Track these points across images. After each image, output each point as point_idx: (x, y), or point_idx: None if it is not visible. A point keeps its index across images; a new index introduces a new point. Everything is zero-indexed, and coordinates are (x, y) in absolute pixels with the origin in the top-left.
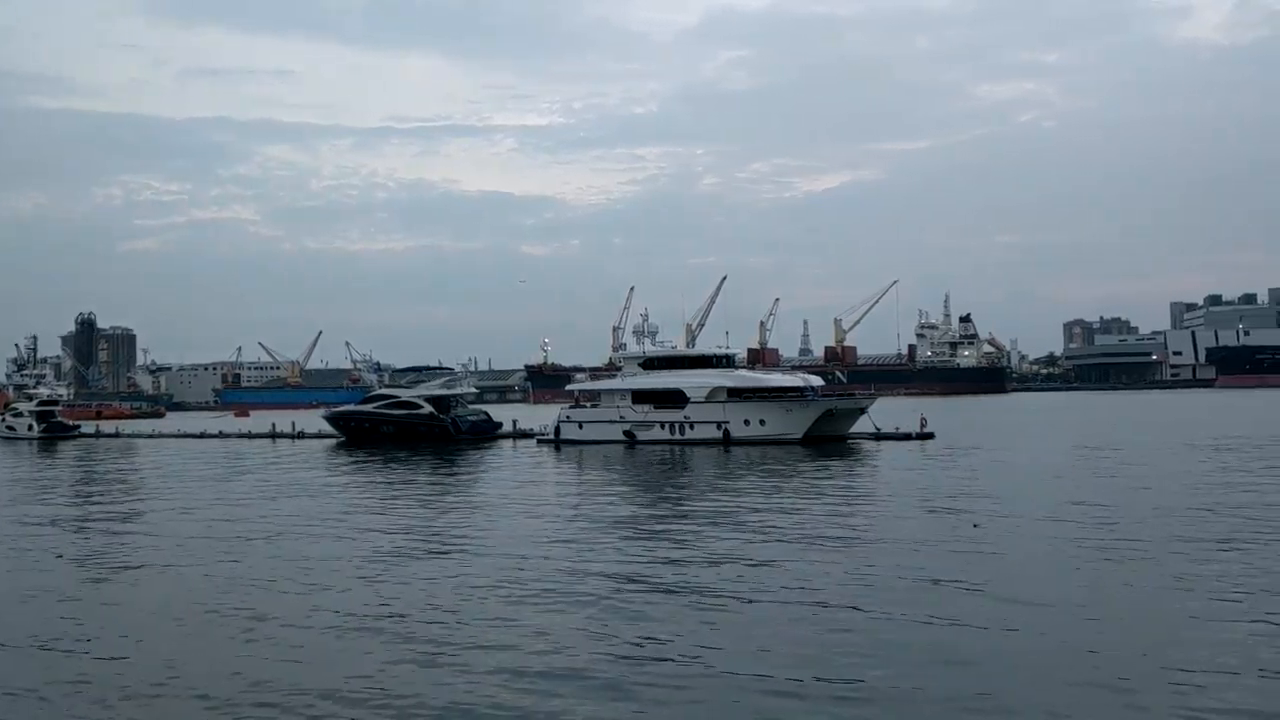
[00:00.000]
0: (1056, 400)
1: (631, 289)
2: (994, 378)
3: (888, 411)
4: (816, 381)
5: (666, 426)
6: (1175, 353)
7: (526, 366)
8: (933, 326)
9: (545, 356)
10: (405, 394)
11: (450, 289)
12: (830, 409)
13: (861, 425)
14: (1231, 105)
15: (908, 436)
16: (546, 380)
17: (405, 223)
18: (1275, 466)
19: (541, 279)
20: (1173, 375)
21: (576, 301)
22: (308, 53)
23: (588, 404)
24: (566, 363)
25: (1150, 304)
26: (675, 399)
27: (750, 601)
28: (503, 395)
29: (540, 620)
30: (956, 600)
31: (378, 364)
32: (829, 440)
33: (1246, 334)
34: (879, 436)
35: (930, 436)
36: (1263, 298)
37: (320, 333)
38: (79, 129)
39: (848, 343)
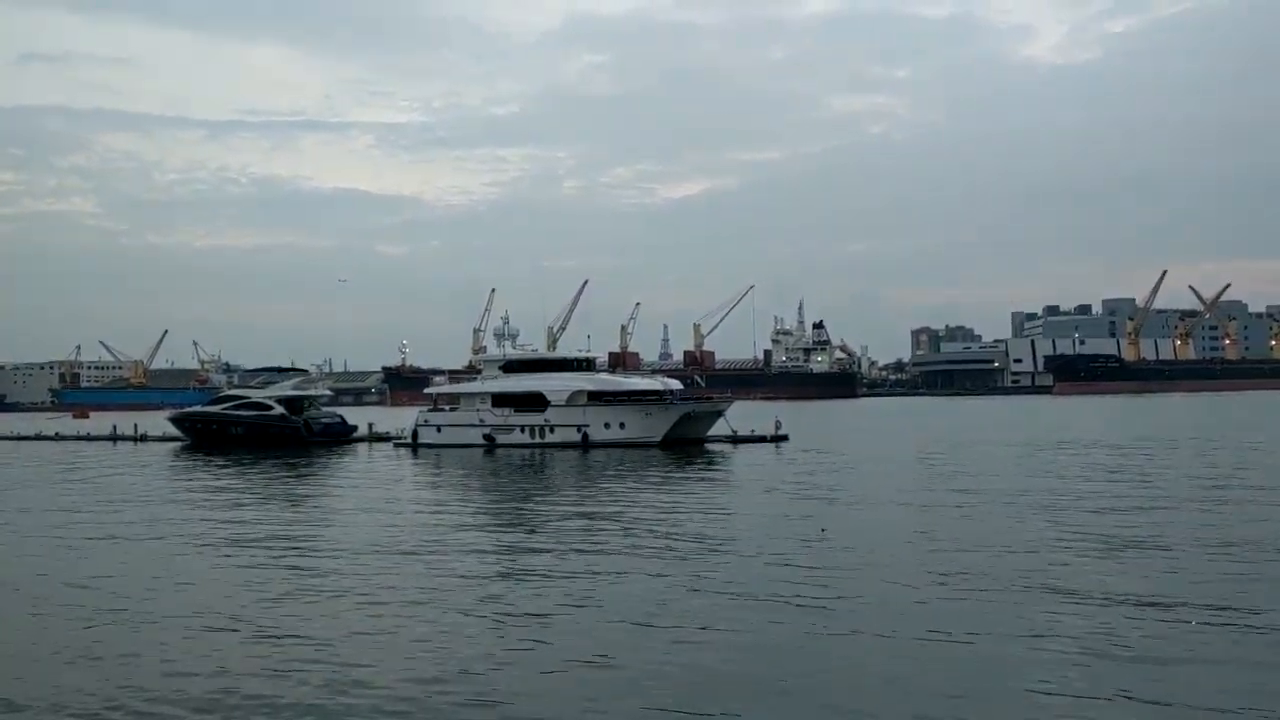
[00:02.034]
0: (904, 405)
1: (493, 291)
2: (845, 383)
3: (744, 415)
4: (675, 385)
5: (526, 430)
6: (1016, 360)
7: (384, 368)
8: (787, 333)
9: (404, 358)
10: (256, 395)
11: (304, 288)
12: (689, 412)
13: (719, 428)
14: (1061, 121)
15: (763, 439)
16: (405, 382)
17: (256, 219)
18: (1098, 464)
19: (400, 279)
20: (1014, 382)
21: (436, 303)
22: (152, 40)
23: (447, 407)
24: (425, 365)
25: (992, 313)
26: (535, 402)
27: (575, 607)
28: (359, 398)
29: (382, 624)
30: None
31: (227, 364)
32: (687, 443)
33: (1082, 343)
34: (736, 439)
35: (785, 439)
36: (1097, 309)
37: (166, 332)
38: None
39: (706, 347)
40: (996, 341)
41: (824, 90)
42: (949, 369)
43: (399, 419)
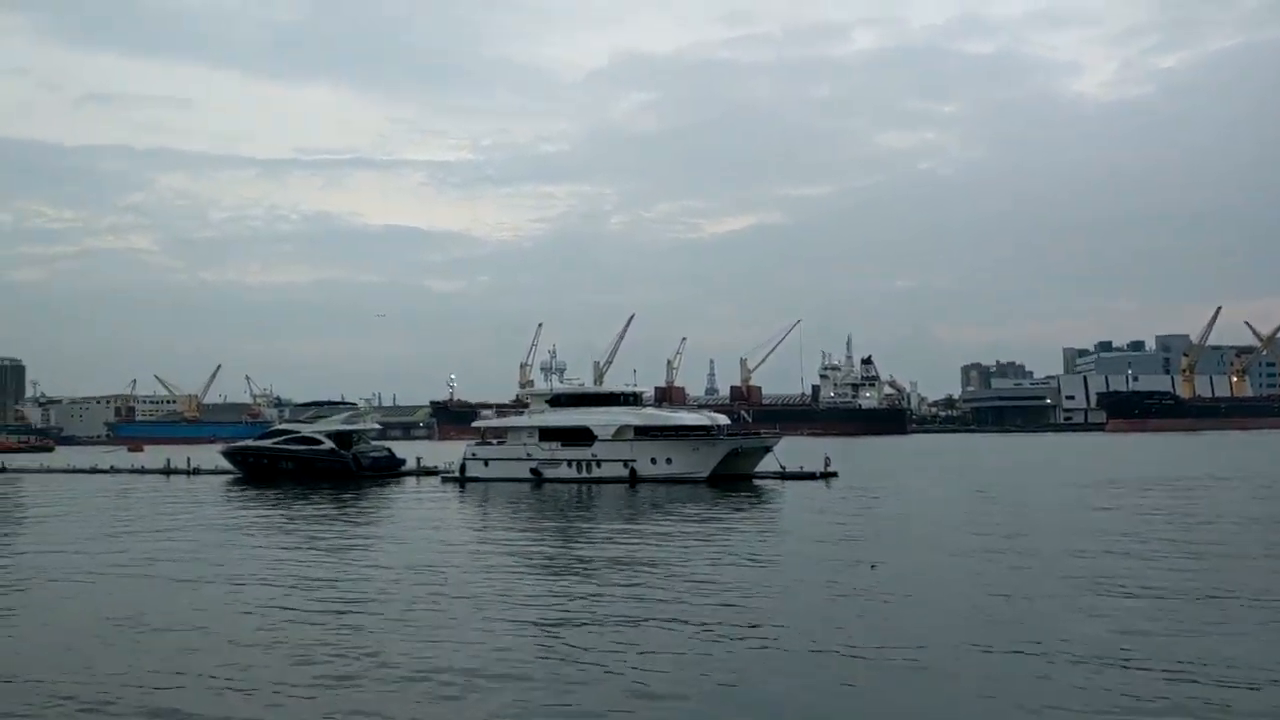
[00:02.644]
0: (955, 442)
1: (539, 326)
2: (895, 419)
3: (792, 451)
4: (723, 420)
5: (573, 464)
6: (1068, 397)
7: (433, 403)
8: (835, 368)
9: (452, 393)
10: (306, 429)
11: (354, 323)
12: (736, 448)
13: (767, 464)
14: (1113, 157)
15: (812, 476)
16: (453, 417)
17: (308, 256)
18: (1158, 506)
19: (449, 314)
20: (1066, 419)
21: (483, 338)
22: (209, 81)
23: (494, 441)
24: (473, 399)
25: (1042, 349)
26: (582, 437)
27: (622, 651)
28: (408, 432)
29: (435, 656)
30: (837, 640)
31: (278, 399)
32: (735, 479)
33: (1135, 380)
34: (784, 476)
35: (834, 476)
36: (1150, 345)
37: (219, 366)
38: None
39: (753, 382)
40: (1048, 378)
41: (871, 126)
42: (1000, 405)
43: (447, 453)
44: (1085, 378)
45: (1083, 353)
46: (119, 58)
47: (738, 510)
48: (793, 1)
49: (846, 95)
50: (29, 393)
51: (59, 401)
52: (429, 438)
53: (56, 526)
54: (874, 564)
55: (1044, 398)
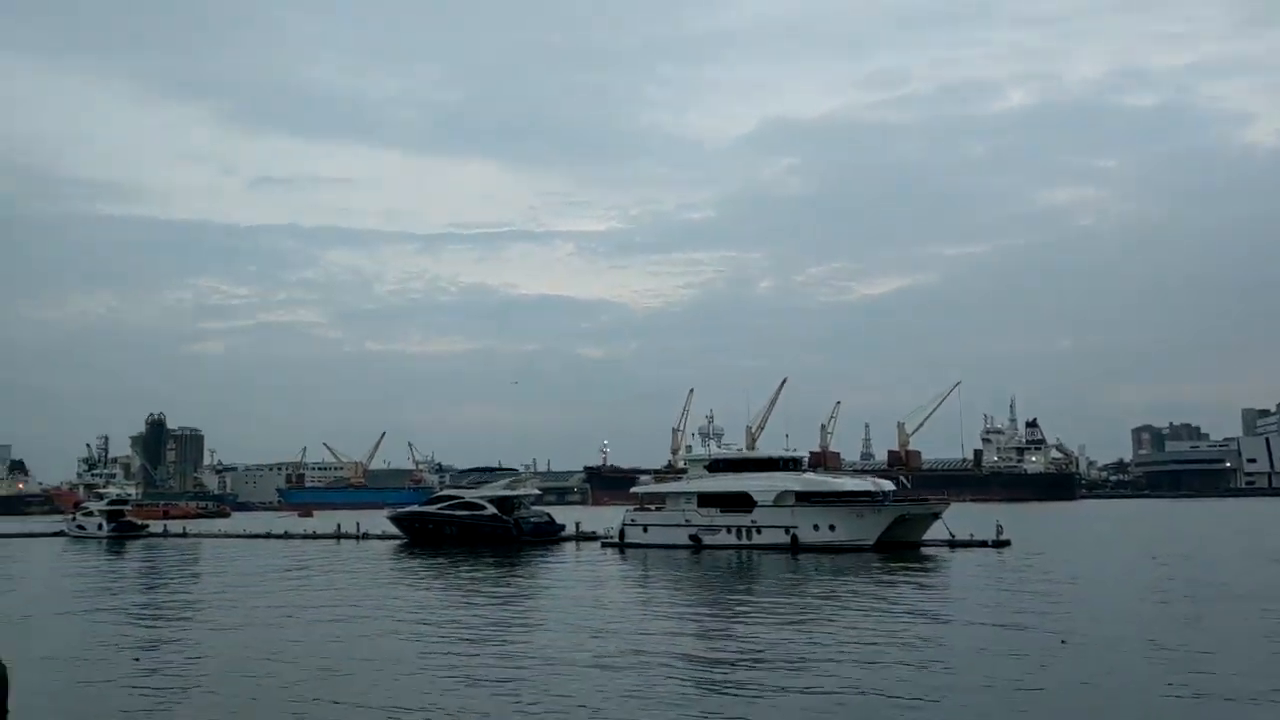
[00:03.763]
0: (1130, 508)
1: (691, 391)
2: (1063, 484)
3: (957, 518)
4: (888, 486)
5: (733, 530)
6: (1250, 460)
7: (586, 468)
8: (999, 431)
9: (605, 458)
10: (469, 495)
11: (509, 391)
12: (903, 514)
13: (935, 531)
14: None
15: (984, 544)
16: (606, 482)
17: (465, 325)
18: None
19: (600, 380)
20: (1248, 483)
21: (634, 403)
22: (372, 161)
23: (652, 507)
24: (625, 464)
25: (1218, 410)
26: (742, 502)
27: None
28: (562, 497)
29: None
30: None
31: (439, 465)
32: (902, 547)
33: None
34: (953, 544)
35: (1007, 544)
36: None
37: (384, 434)
38: (150, 235)
39: (911, 446)
40: (1226, 440)
41: (1027, 184)
42: (1175, 469)
43: (602, 518)
44: (1268, 439)
45: (1263, 413)
46: (290, 142)
47: (907, 579)
48: (942, 61)
49: (1000, 153)
50: (207, 460)
51: (235, 469)
52: (583, 503)
53: (250, 590)
54: (1064, 639)
55: (1223, 461)
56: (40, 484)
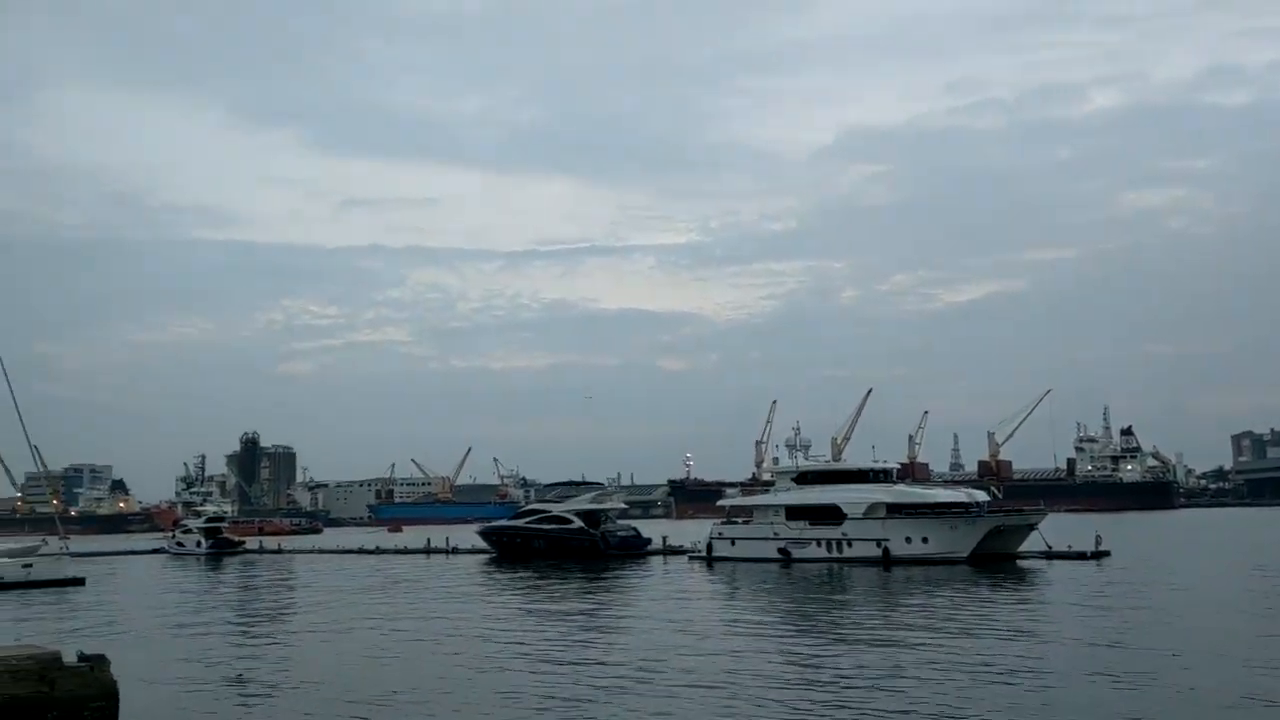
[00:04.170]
0: (1233, 516)
1: (774, 403)
2: (1160, 493)
3: (1051, 528)
4: (981, 497)
5: (823, 544)
6: None
7: (670, 481)
8: (1092, 440)
9: (688, 471)
10: (556, 509)
11: (590, 405)
12: (998, 525)
13: (1031, 543)
14: None
15: (1082, 555)
16: (690, 495)
17: (547, 341)
18: None
19: (681, 393)
20: None
21: (716, 416)
22: (454, 180)
23: (740, 520)
24: (709, 477)
25: None
26: (831, 515)
27: None
28: (646, 510)
29: None
30: None
31: (524, 479)
32: (997, 559)
33: None
34: (1050, 555)
35: (1106, 555)
36: None
37: (469, 449)
38: (242, 258)
39: (1002, 456)
40: None
41: (1116, 187)
42: (1278, 477)
43: (687, 531)
44: None
45: None
46: (374, 164)
47: (1005, 593)
48: (1024, 65)
49: (1087, 156)
50: (299, 478)
51: (326, 485)
52: (667, 516)
53: (344, 604)
54: (1175, 652)
55: None
56: (140, 503)
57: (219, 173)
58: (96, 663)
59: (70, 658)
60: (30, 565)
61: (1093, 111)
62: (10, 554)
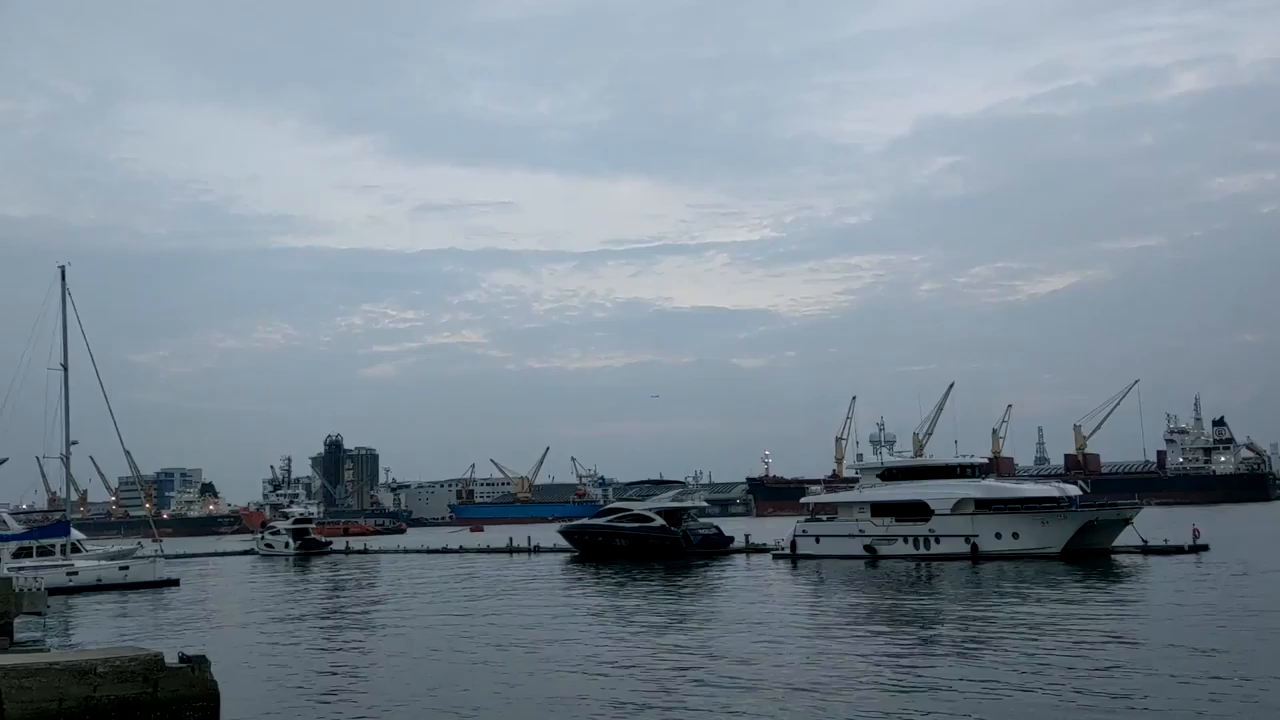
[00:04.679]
0: None
1: (854, 399)
2: (1256, 485)
3: (1145, 522)
4: (1073, 491)
5: (909, 540)
6: None
7: (748, 479)
8: (1183, 431)
9: (766, 469)
10: (637, 507)
11: (664, 404)
12: (1091, 520)
13: (1125, 537)
14: None
15: (1179, 550)
16: (769, 493)
17: (622, 341)
18: None
19: (757, 391)
20: None
21: (792, 413)
22: (528, 183)
23: (824, 517)
24: (787, 475)
25: None
26: (918, 511)
27: None
28: (725, 508)
29: None
30: None
31: (602, 478)
32: (1091, 554)
33: None
34: (1147, 550)
35: (1205, 549)
36: None
37: (547, 449)
38: (322, 264)
39: (1088, 449)
40: None
41: (1203, 172)
42: None
43: (768, 529)
44: None
45: None
46: (449, 169)
47: (1102, 589)
48: (1105, 50)
49: (1172, 141)
50: (382, 479)
51: (408, 486)
52: (746, 514)
53: (434, 601)
54: None
55: None
56: (229, 505)
57: (298, 181)
58: (198, 664)
59: (171, 659)
60: (127, 568)
61: (1178, 95)
62: (108, 556)
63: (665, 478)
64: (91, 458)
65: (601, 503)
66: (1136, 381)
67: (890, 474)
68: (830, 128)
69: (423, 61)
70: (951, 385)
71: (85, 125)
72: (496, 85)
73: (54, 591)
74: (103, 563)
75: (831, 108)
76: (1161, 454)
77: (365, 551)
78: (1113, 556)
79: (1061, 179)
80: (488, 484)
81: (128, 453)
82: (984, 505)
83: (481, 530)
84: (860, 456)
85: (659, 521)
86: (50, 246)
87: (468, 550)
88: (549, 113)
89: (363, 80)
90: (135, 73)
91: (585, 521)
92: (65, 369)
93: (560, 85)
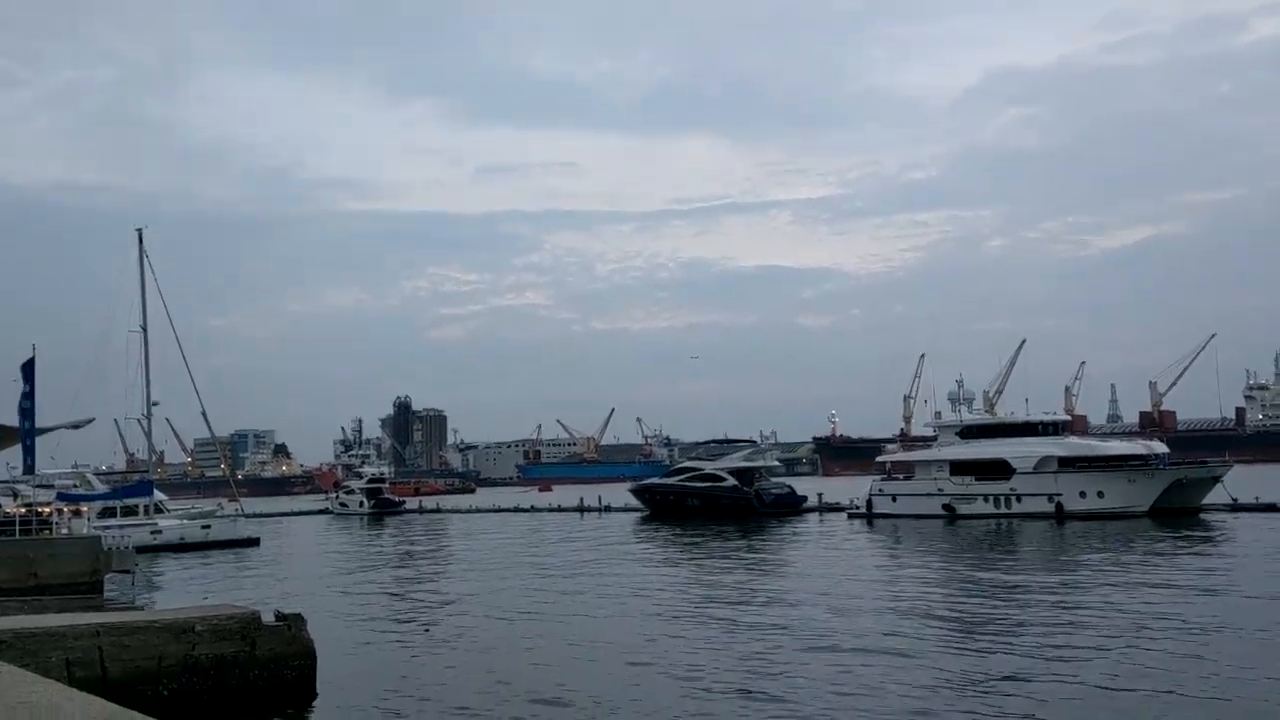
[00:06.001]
0: None
1: (922, 356)
2: None
3: (1230, 480)
4: (1160, 448)
5: (990, 499)
6: None
7: (815, 438)
8: (1263, 387)
9: (834, 428)
10: (709, 467)
11: (731, 363)
12: (1180, 478)
13: (1215, 495)
14: None
15: (1271, 508)
16: (837, 452)
17: (686, 300)
18: None
19: (822, 350)
20: None
21: (858, 372)
22: (590, 144)
23: (900, 476)
24: (854, 434)
25: None
26: (999, 469)
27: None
28: (791, 468)
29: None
30: None
31: (668, 438)
32: (1179, 513)
33: None
34: (1236, 508)
35: None
36: None
37: (613, 409)
38: (388, 227)
39: (1164, 407)
40: None
41: None
42: None
43: (836, 488)
44: None
45: None
46: (511, 130)
47: (1192, 549)
48: None
49: (1251, 90)
50: (450, 439)
51: (475, 447)
52: (813, 473)
53: (511, 559)
54: None
55: None
56: (302, 465)
57: (363, 146)
58: (294, 622)
59: (267, 617)
60: (209, 526)
61: (1256, 41)
62: (190, 516)
63: (732, 437)
64: (168, 419)
65: (668, 463)
66: (1213, 335)
67: (969, 432)
68: (896, 81)
69: (482, 23)
70: (1023, 342)
71: (154, 92)
72: (557, 45)
73: (139, 550)
74: (185, 522)
75: (897, 62)
76: (1240, 411)
77: (438, 511)
78: (1201, 516)
79: (1136, 130)
80: (554, 444)
81: (204, 414)
82: (1067, 463)
83: (550, 490)
84: (938, 414)
85: (731, 481)
86: (122, 212)
87: (539, 509)
88: (610, 72)
89: (425, 44)
90: (203, 39)
91: (656, 481)
92: (145, 331)
93: (621, 44)
